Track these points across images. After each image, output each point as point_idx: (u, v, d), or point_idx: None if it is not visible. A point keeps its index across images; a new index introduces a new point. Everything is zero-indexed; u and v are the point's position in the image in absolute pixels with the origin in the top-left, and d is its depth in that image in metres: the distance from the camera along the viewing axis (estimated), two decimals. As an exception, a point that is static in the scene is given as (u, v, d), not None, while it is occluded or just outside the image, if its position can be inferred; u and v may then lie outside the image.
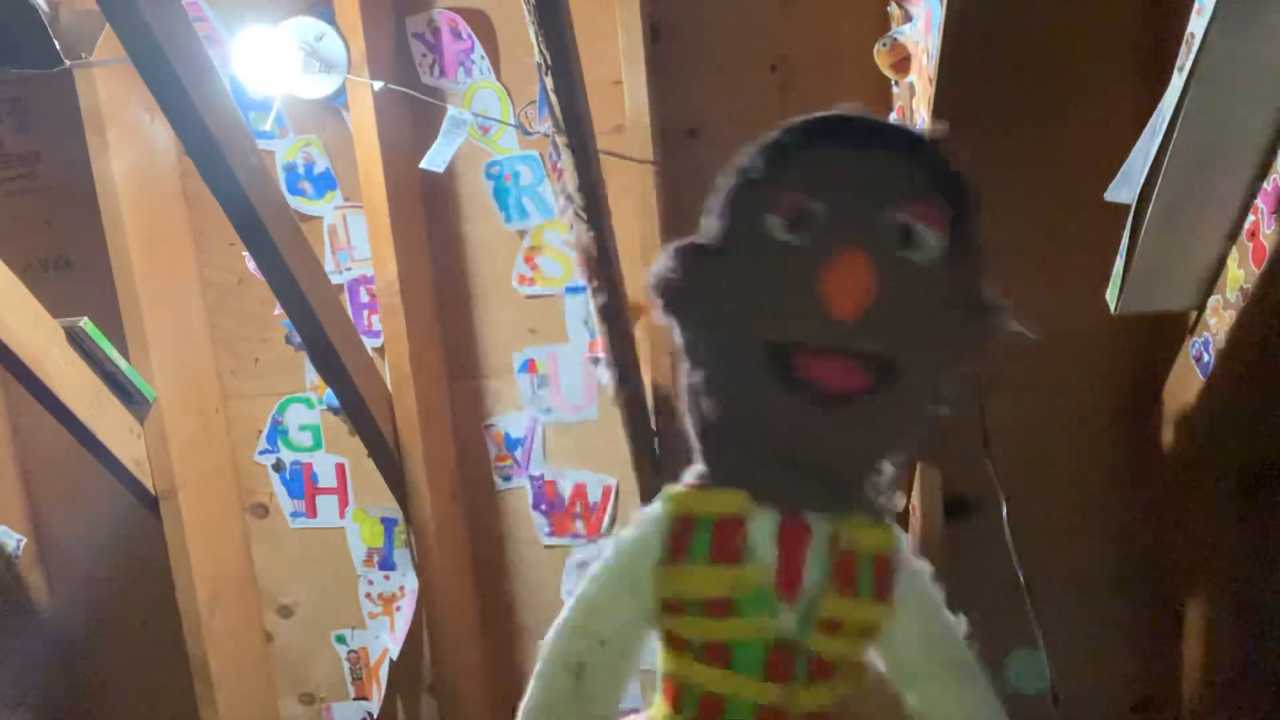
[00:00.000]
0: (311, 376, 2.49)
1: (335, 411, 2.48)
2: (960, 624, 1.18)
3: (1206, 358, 1.77)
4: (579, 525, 2.47)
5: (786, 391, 1.01)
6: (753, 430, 1.06)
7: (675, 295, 1.06)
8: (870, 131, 1.05)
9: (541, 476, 2.47)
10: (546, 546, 2.50)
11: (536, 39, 1.47)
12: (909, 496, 2.24)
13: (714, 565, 1.05)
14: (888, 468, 1.11)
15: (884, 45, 1.78)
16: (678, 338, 1.09)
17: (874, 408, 1.03)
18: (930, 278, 1.02)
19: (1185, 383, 1.93)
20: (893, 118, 1.88)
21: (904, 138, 1.07)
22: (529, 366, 2.43)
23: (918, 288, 1.01)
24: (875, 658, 1.19)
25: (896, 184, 1.02)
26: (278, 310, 2.37)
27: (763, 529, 1.06)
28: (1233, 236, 1.59)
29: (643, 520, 1.11)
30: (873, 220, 1.00)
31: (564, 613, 1.14)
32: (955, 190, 1.05)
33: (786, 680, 1.07)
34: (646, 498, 2.38)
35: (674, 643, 1.11)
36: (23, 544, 2.54)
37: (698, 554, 1.06)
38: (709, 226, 1.08)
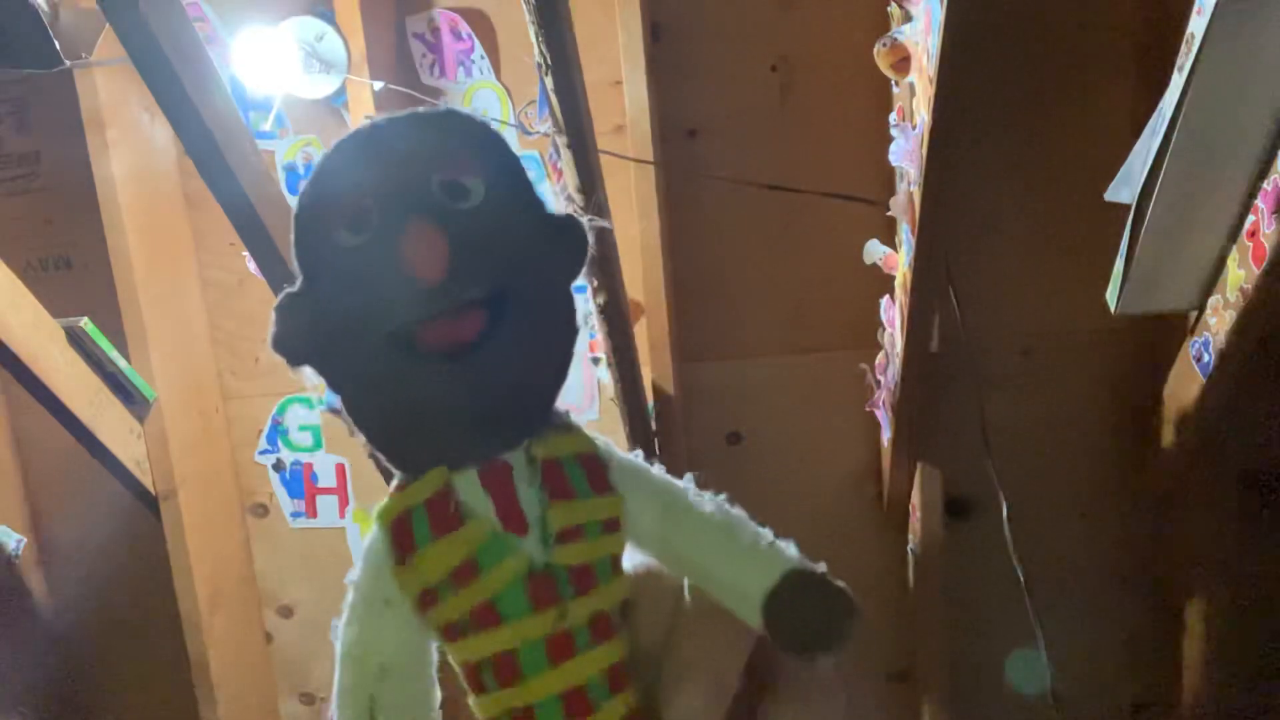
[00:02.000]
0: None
1: (335, 412, 2.46)
2: (688, 480, 1.21)
3: (1206, 358, 1.77)
4: (579, 525, 2.47)
5: (419, 366, 1.09)
6: (413, 415, 1.13)
7: (290, 345, 1.12)
8: (389, 126, 1.13)
9: (541, 476, 2.47)
10: (546, 546, 2.50)
11: (536, 39, 1.47)
12: (909, 496, 2.24)
13: (437, 539, 1.11)
14: (555, 383, 1.17)
15: (884, 45, 1.78)
16: (316, 378, 1.15)
17: (496, 344, 1.10)
18: (489, 215, 1.11)
19: (1185, 383, 1.93)
20: (892, 118, 1.88)
21: (416, 119, 1.15)
22: (529, 366, 2.43)
23: (482, 228, 1.10)
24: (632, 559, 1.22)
25: (425, 156, 1.11)
26: (278, 310, 2.36)
27: (468, 486, 1.12)
28: (1233, 236, 1.59)
29: (365, 548, 1.16)
30: (419, 192, 1.08)
31: (336, 673, 1.15)
32: (475, 139, 1.15)
33: (555, 603, 1.12)
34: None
35: (447, 633, 1.14)
36: (23, 544, 2.54)
37: (423, 539, 1.11)
38: (295, 271, 1.14)
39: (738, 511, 1.21)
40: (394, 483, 1.17)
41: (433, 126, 1.14)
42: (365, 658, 1.14)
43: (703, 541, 1.19)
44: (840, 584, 1.16)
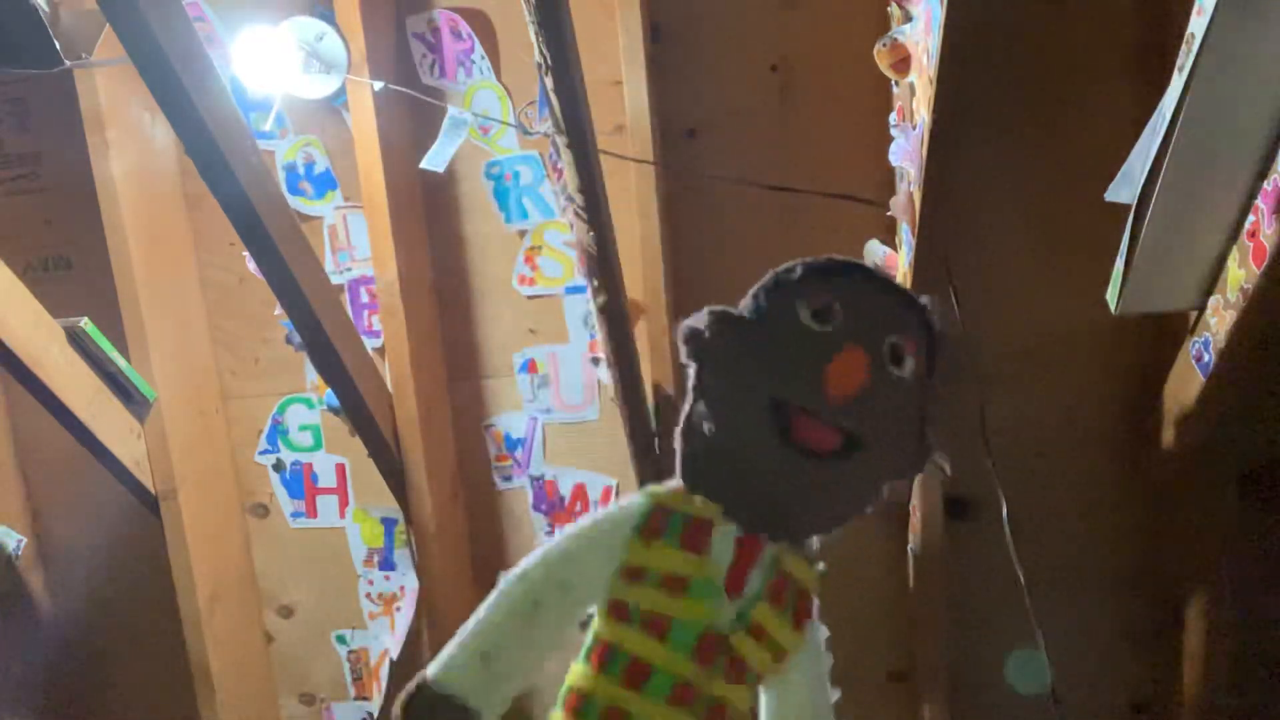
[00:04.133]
0: (311, 376, 2.49)
1: (335, 411, 2.47)
2: (835, 698, 1.38)
3: (1206, 358, 1.77)
4: (579, 525, 2.47)
5: (778, 438, 1.27)
6: (740, 461, 1.30)
7: (702, 344, 1.30)
8: (885, 278, 1.39)
9: (541, 476, 2.47)
10: (546, 546, 2.50)
11: (536, 39, 1.47)
12: (909, 497, 2.24)
13: (680, 549, 1.27)
14: (827, 527, 1.36)
15: (884, 45, 1.78)
16: (692, 378, 1.32)
17: (836, 470, 1.30)
18: (902, 390, 1.31)
19: (1185, 383, 1.93)
20: (892, 118, 1.88)
21: (905, 290, 1.41)
22: (529, 366, 2.43)
23: (892, 393, 1.30)
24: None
25: (896, 317, 1.32)
26: (278, 310, 2.37)
27: (725, 535, 1.28)
28: (1233, 236, 1.59)
29: (626, 502, 1.32)
30: (875, 336, 1.29)
31: (536, 554, 1.30)
32: (933, 338, 1.35)
33: (709, 665, 1.25)
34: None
35: (616, 610, 1.27)
36: (23, 544, 2.54)
37: (669, 536, 1.28)
38: (747, 303, 1.34)
39: None
40: (673, 483, 1.33)
41: (915, 305, 1.35)
42: (561, 565, 1.30)
43: None
44: None
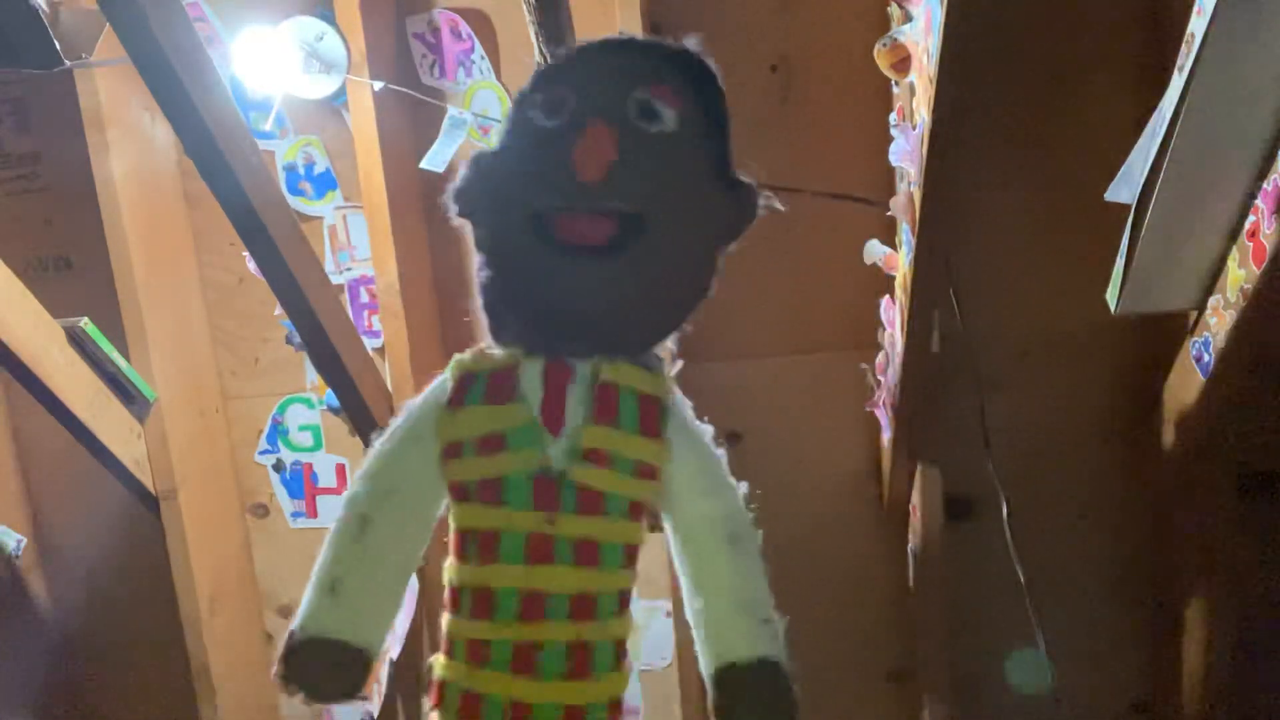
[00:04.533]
0: (311, 376, 2.49)
1: (335, 411, 2.47)
2: (740, 491, 1.27)
3: (1206, 358, 1.77)
4: (579, 525, 2.47)
5: (545, 249, 1.19)
6: (520, 289, 1.22)
7: (462, 196, 1.23)
8: (626, 40, 1.27)
9: (541, 476, 2.47)
10: (546, 546, 2.50)
11: (536, 39, 1.48)
12: (909, 497, 2.24)
13: (486, 406, 1.22)
14: (653, 324, 1.25)
15: (884, 45, 1.78)
16: (470, 236, 1.25)
17: (619, 259, 1.19)
18: (668, 146, 1.19)
19: (1185, 383, 1.93)
20: (892, 118, 1.88)
21: (654, 41, 1.28)
22: (529, 366, 2.43)
23: (656, 154, 1.18)
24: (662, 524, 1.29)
25: (636, 71, 1.21)
26: (278, 310, 2.37)
27: (530, 373, 1.22)
28: (1233, 236, 1.59)
29: (429, 389, 1.28)
30: (615, 100, 1.18)
31: (358, 470, 1.28)
32: (693, 75, 1.23)
33: (553, 509, 1.19)
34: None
35: (456, 492, 1.23)
36: (23, 544, 2.54)
37: (474, 399, 1.22)
38: (496, 136, 1.26)
39: (758, 564, 1.26)
40: (477, 346, 1.27)
41: (659, 51, 1.24)
42: (381, 473, 1.26)
43: (714, 566, 1.25)
44: (794, 693, 1.22)
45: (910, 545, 2.26)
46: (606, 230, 1.18)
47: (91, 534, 2.57)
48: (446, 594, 1.26)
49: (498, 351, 1.24)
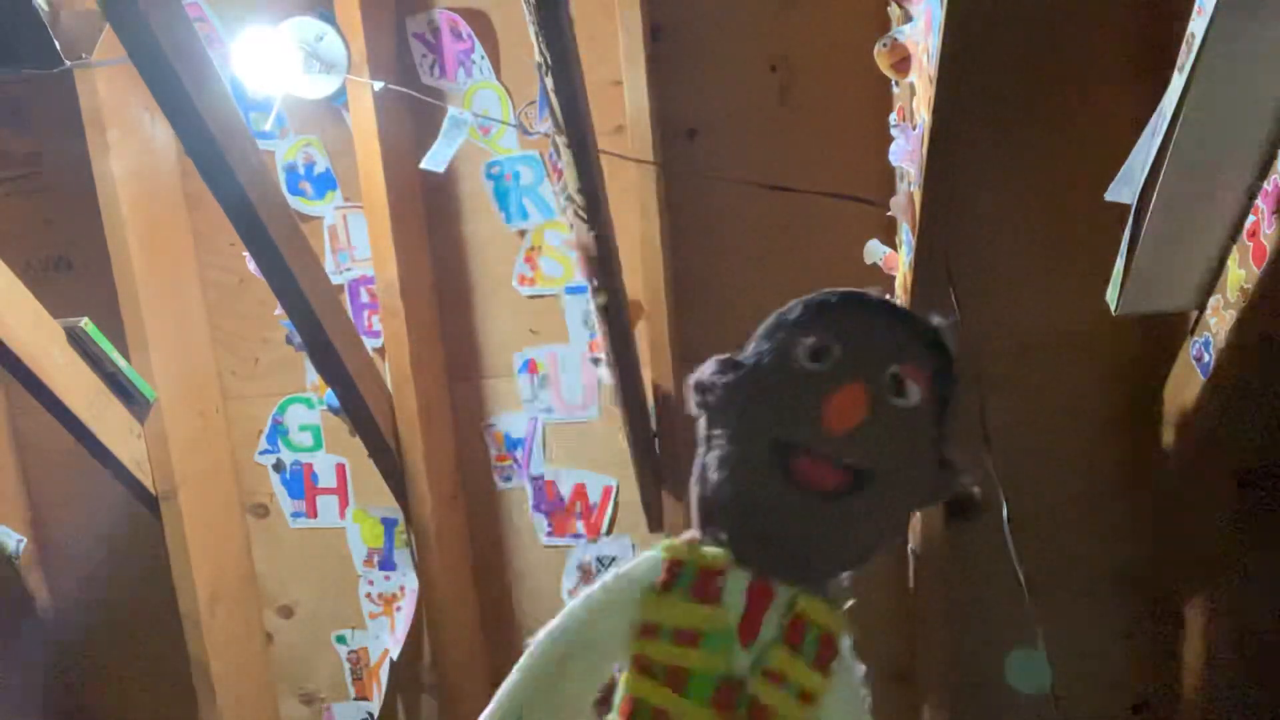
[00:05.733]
0: (311, 376, 2.49)
1: (335, 411, 2.48)
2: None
3: (1206, 358, 1.77)
4: (579, 525, 2.47)
5: (781, 480, 1.29)
6: (746, 506, 1.32)
7: (708, 393, 1.35)
8: (889, 307, 1.39)
9: (541, 476, 2.47)
10: (546, 546, 2.50)
11: (536, 39, 1.47)
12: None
13: (692, 601, 1.30)
14: (849, 565, 1.37)
15: (884, 45, 1.78)
16: (701, 428, 1.36)
17: (844, 507, 1.30)
18: (909, 419, 1.31)
19: (1185, 383, 1.93)
20: (892, 118, 1.88)
21: (912, 316, 1.39)
22: (529, 366, 2.43)
23: (897, 424, 1.30)
24: None
25: (898, 347, 1.33)
26: (278, 310, 2.37)
27: (736, 583, 1.31)
28: (1233, 236, 1.59)
29: (641, 557, 1.36)
30: (875, 368, 1.30)
31: (559, 616, 1.36)
32: (943, 364, 1.35)
33: (729, 711, 1.29)
34: (646, 498, 2.39)
35: (640, 664, 1.32)
36: (23, 544, 2.54)
37: (681, 589, 1.31)
38: (749, 347, 1.36)
39: None
40: (687, 534, 1.37)
41: (919, 330, 1.35)
42: (585, 624, 1.35)
43: None
44: None
45: (910, 545, 2.26)
46: (840, 480, 1.29)
47: (91, 534, 2.58)
48: None
49: (710, 548, 1.33)
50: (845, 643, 1.37)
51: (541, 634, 1.36)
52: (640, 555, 1.37)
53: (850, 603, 1.39)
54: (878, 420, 1.28)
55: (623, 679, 1.34)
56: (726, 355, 1.37)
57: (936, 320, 1.37)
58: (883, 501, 1.33)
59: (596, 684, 1.36)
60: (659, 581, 1.31)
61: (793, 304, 1.37)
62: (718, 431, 1.34)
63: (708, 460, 1.35)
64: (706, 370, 1.36)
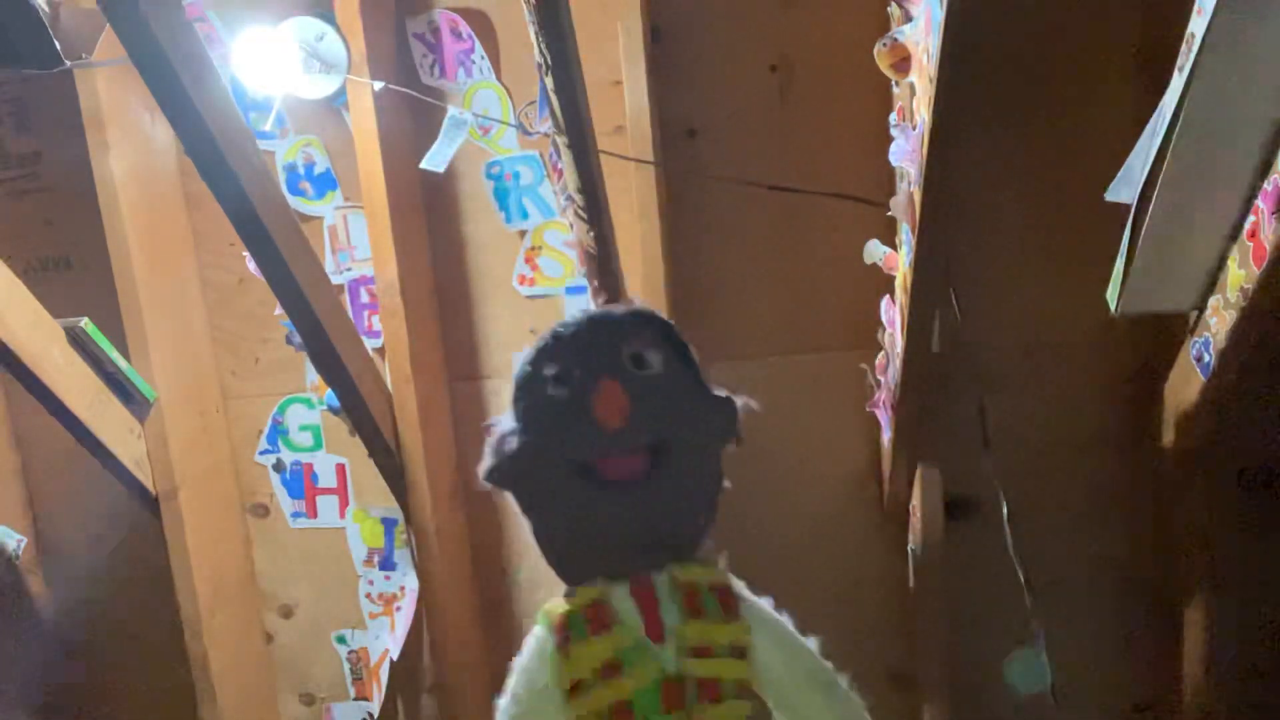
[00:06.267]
0: (311, 376, 2.49)
1: (335, 411, 2.47)
2: (812, 643, 1.42)
3: (1206, 358, 1.77)
4: (579, 525, 2.47)
5: (594, 490, 1.37)
6: (583, 531, 1.40)
7: (498, 473, 1.41)
8: (590, 313, 1.46)
9: (541, 476, 2.47)
10: (546, 546, 2.50)
11: (537, 39, 1.48)
12: (909, 497, 2.24)
13: (594, 638, 1.35)
14: (697, 527, 1.42)
15: (884, 45, 1.78)
16: (515, 505, 1.43)
17: (660, 481, 1.38)
18: (665, 382, 1.40)
19: (1185, 383, 1.93)
20: (892, 118, 1.88)
21: (609, 310, 1.49)
22: (529, 366, 2.43)
23: (658, 390, 1.39)
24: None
25: (619, 334, 1.42)
26: (278, 310, 2.37)
27: (620, 597, 1.37)
28: (1233, 236, 1.59)
29: (528, 644, 1.40)
30: (611, 359, 1.39)
31: None
32: (660, 328, 1.45)
33: (681, 708, 1.33)
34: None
35: None
36: (23, 544, 2.54)
37: (579, 635, 1.36)
38: (504, 421, 1.43)
39: (855, 704, 1.42)
40: (559, 596, 1.42)
41: (629, 316, 1.46)
42: None
43: (810, 710, 1.41)
44: None
45: (910, 545, 2.26)
46: (641, 463, 1.38)
47: (91, 534, 2.57)
48: None
49: (581, 590, 1.39)
50: (739, 585, 1.43)
51: None
52: (526, 641, 1.41)
53: (723, 556, 1.44)
54: (641, 397, 1.37)
55: None
56: (492, 436, 1.44)
57: (634, 301, 1.51)
58: (689, 459, 1.40)
59: None
60: (556, 645, 1.36)
61: (520, 365, 1.45)
62: (528, 494, 1.42)
63: (535, 523, 1.42)
64: (484, 460, 1.43)
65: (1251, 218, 1.54)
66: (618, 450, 1.37)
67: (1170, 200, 1.52)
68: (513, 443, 1.40)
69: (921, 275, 1.82)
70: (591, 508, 1.39)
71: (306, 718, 2.69)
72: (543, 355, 1.43)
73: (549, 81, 1.54)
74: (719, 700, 1.35)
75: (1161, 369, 2.02)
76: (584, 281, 2.12)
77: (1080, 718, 2.21)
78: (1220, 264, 1.64)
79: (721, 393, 1.44)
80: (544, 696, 1.37)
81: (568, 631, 1.36)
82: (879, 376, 2.18)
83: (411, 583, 2.52)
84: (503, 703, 1.40)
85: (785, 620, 1.43)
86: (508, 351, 2.43)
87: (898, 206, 1.86)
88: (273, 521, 2.61)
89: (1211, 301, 1.69)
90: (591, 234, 1.81)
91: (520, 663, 1.41)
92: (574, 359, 1.40)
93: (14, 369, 2.08)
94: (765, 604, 1.44)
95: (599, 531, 1.39)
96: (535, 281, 2.39)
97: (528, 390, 1.42)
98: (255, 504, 2.61)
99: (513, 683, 1.40)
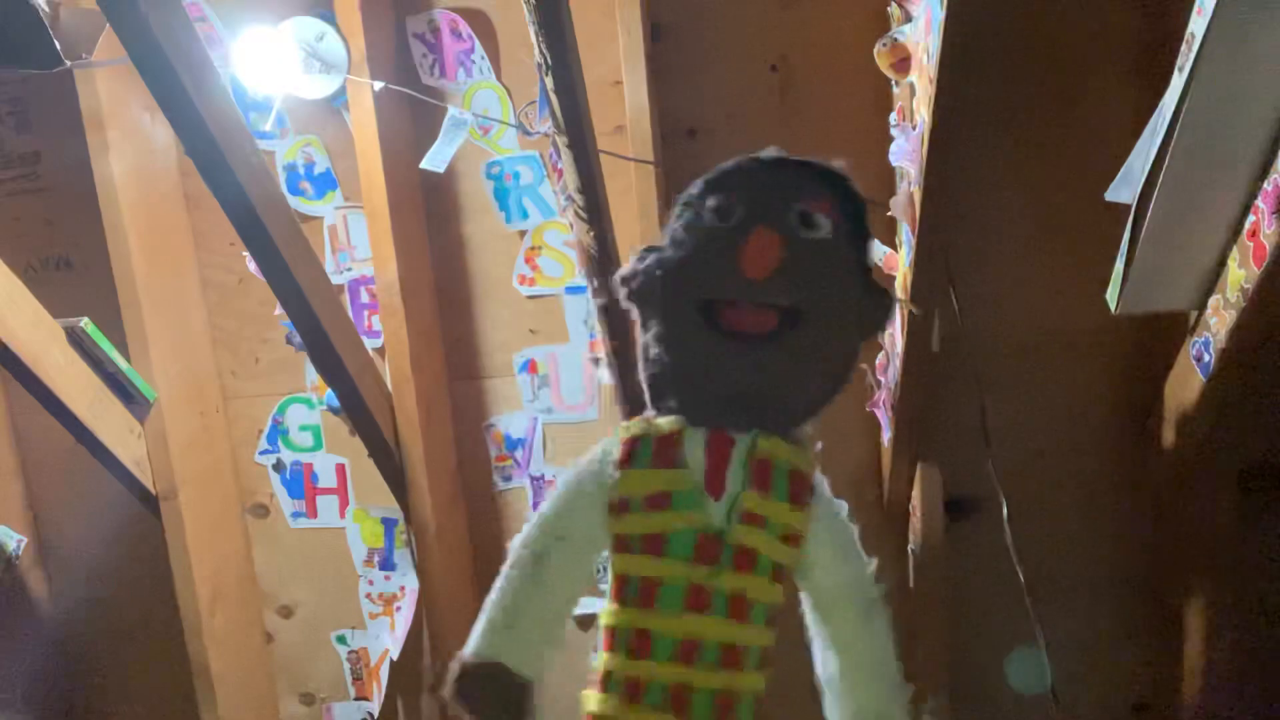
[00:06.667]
0: (311, 376, 2.49)
1: (335, 411, 2.48)
2: (871, 564, 1.43)
3: (1206, 358, 1.77)
4: (579, 525, 2.47)
5: (712, 335, 1.33)
6: (688, 369, 1.37)
7: (632, 281, 1.39)
8: (781, 158, 1.42)
9: (542, 476, 2.47)
10: (546, 546, 2.50)
11: (537, 39, 1.48)
12: (909, 497, 2.24)
13: (655, 469, 1.35)
14: (803, 406, 1.40)
15: (884, 45, 1.78)
16: (638, 319, 1.41)
17: (778, 347, 1.34)
18: (824, 250, 1.35)
19: (1185, 383, 1.93)
20: (892, 118, 1.88)
21: (804, 160, 1.42)
22: (529, 366, 2.43)
23: (814, 257, 1.34)
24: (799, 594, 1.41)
25: (796, 186, 1.37)
26: (278, 310, 2.37)
27: (694, 442, 1.35)
28: (1233, 236, 1.59)
29: (598, 445, 1.41)
30: (778, 209, 1.34)
31: (529, 524, 1.41)
32: (844, 193, 1.39)
33: (713, 563, 1.32)
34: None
35: (620, 544, 1.36)
36: (23, 544, 2.54)
37: (642, 461, 1.35)
38: (663, 233, 1.40)
39: (888, 631, 1.41)
40: (641, 415, 1.41)
41: (815, 171, 1.40)
42: (552, 521, 1.39)
43: (849, 631, 1.40)
44: None
45: (910, 545, 2.26)
46: (769, 322, 1.33)
47: (91, 534, 2.58)
48: (603, 635, 1.37)
49: (662, 420, 1.37)
50: (820, 479, 1.40)
51: (516, 541, 1.40)
52: (598, 445, 1.41)
53: (819, 446, 1.42)
54: (794, 257, 1.32)
55: (610, 564, 1.38)
56: (642, 246, 1.42)
57: (833, 162, 1.42)
58: (818, 334, 1.35)
59: (580, 578, 1.40)
60: (618, 459, 1.36)
61: (691, 185, 1.41)
62: (649, 312, 1.39)
63: (646, 341, 1.39)
64: (627, 264, 1.41)
65: (1251, 218, 1.54)
66: (749, 301, 1.33)
67: (1170, 200, 1.52)
68: (652, 259, 1.38)
69: (921, 275, 1.82)
70: (703, 349, 1.35)
71: (306, 718, 2.69)
72: (713, 183, 1.39)
73: (549, 81, 1.54)
74: (750, 572, 1.33)
75: (1161, 369, 2.02)
76: (584, 281, 2.12)
77: (1080, 718, 2.21)
78: (1220, 264, 1.64)
79: (880, 282, 1.40)
80: (588, 501, 1.37)
81: (634, 452, 1.36)
82: (879, 376, 2.18)
83: (411, 583, 2.52)
84: (551, 491, 1.41)
85: (853, 530, 1.42)
86: (508, 351, 2.44)
87: (898, 206, 1.86)
88: (273, 521, 2.61)
89: (1211, 301, 1.69)
90: (591, 234, 1.81)
91: (579, 462, 1.41)
92: (741, 196, 1.35)
93: (14, 369, 2.08)
94: (841, 507, 1.42)
95: (701, 377, 1.36)
96: (535, 281, 2.39)
97: (688, 214, 1.39)
98: (255, 504, 2.61)
99: (563, 478, 1.41)
